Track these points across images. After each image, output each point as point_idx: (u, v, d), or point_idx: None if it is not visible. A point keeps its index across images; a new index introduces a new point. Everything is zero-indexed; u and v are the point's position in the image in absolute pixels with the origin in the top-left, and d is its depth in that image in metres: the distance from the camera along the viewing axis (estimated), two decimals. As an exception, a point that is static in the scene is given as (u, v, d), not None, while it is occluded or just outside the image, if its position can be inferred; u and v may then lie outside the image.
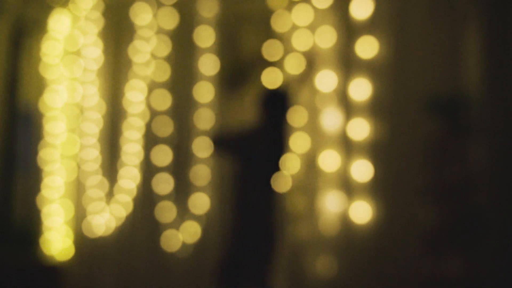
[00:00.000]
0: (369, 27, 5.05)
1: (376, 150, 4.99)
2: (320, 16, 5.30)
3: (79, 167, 5.73)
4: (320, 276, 5.12)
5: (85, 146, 5.72)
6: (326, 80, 5.24)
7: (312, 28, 5.33)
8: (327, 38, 5.27)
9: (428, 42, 4.93)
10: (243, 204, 4.11)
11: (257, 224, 4.06)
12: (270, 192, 4.16)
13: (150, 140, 5.62)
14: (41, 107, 5.85)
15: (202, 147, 5.53)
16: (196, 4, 5.68)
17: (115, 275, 5.58)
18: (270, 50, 5.52)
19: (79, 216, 5.69)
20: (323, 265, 5.12)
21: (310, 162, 5.22)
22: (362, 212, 4.99)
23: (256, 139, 4.19)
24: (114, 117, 5.75)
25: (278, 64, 5.48)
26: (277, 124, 4.25)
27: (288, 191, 5.27)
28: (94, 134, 5.74)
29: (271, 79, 5.51)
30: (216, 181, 5.50)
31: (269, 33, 5.55)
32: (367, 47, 5.06)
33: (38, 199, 5.76)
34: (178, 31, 5.73)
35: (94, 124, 5.75)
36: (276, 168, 4.19)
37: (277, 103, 4.28)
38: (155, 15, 5.73)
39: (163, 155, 5.60)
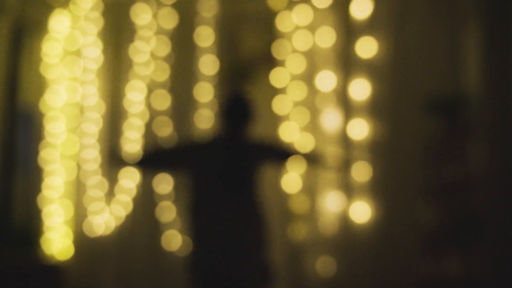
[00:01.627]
0: (369, 27, 5.05)
1: (376, 150, 4.99)
2: (320, 16, 5.30)
3: (78, 167, 5.72)
4: (320, 276, 5.12)
5: (85, 146, 5.72)
6: (326, 80, 5.24)
7: (312, 28, 5.33)
8: (327, 38, 5.27)
9: (428, 42, 4.93)
10: (200, 220, 3.72)
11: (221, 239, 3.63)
12: (232, 205, 3.69)
13: (150, 140, 5.62)
14: (41, 107, 5.85)
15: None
16: (196, 4, 5.68)
17: (115, 275, 5.57)
18: (271, 50, 5.53)
19: (79, 216, 5.68)
20: (323, 265, 5.12)
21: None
22: (362, 212, 4.99)
23: (209, 148, 3.81)
24: (114, 117, 5.75)
25: (279, 63, 5.48)
26: (236, 133, 3.81)
27: (291, 191, 5.28)
28: (94, 134, 5.74)
29: (273, 78, 5.52)
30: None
31: (270, 33, 5.55)
32: (367, 47, 5.06)
33: (38, 199, 5.76)
34: (178, 31, 5.73)
35: (94, 124, 5.75)
36: (237, 178, 3.73)
37: (236, 112, 3.83)
38: (155, 15, 5.72)
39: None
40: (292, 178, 5.28)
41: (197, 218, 3.74)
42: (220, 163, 3.71)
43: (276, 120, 5.43)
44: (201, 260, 3.65)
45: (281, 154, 4.01)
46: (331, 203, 5.10)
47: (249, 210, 3.74)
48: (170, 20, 5.73)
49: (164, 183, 5.55)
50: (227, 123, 3.82)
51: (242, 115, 3.82)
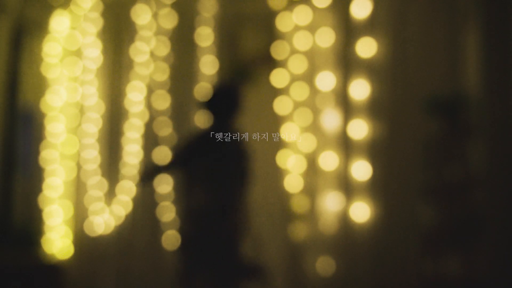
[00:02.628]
0: (370, 27, 5.06)
1: (376, 150, 4.99)
2: (320, 16, 5.31)
3: (78, 167, 5.71)
4: (320, 276, 5.12)
5: (85, 146, 5.71)
6: (326, 80, 5.25)
7: (312, 28, 5.33)
8: (327, 38, 5.27)
9: (428, 42, 4.94)
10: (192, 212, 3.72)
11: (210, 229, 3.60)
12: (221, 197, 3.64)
13: (150, 140, 5.62)
14: (42, 107, 5.84)
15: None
16: (196, 4, 5.68)
17: (115, 274, 5.57)
18: (271, 50, 5.53)
19: (79, 216, 5.68)
20: (323, 264, 5.13)
21: (310, 162, 5.23)
22: (362, 212, 4.99)
23: (199, 143, 3.70)
24: (114, 117, 5.74)
25: (279, 63, 5.48)
26: (222, 125, 3.68)
27: (291, 190, 5.28)
28: (94, 134, 5.73)
29: (273, 79, 5.52)
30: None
31: (270, 33, 5.55)
32: (367, 47, 5.06)
33: (38, 199, 5.75)
34: (178, 31, 5.72)
35: (94, 124, 5.74)
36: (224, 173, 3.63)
37: (220, 102, 3.67)
38: (155, 15, 5.72)
39: (163, 155, 5.60)
40: (293, 178, 5.28)
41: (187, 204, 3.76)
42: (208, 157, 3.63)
43: (277, 120, 5.43)
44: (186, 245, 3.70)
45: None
46: (331, 203, 5.11)
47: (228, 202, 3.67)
48: (170, 20, 5.72)
49: (164, 183, 5.55)
50: (211, 114, 3.69)
51: (227, 105, 3.68)
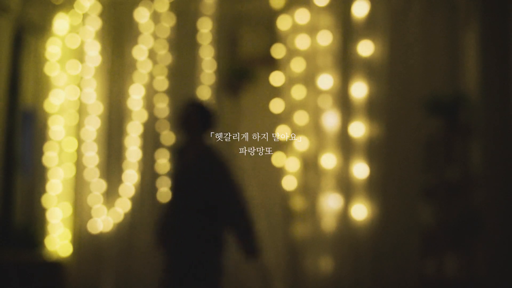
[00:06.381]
0: (370, 27, 5.06)
1: (376, 150, 5.00)
2: (321, 17, 5.30)
3: (80, 167, 5.69)
4: (320, 275, 5.12)
5: (87, 146, 5.70)
6: (327, 80, 5.24)
7: (312, 28, 5.33)
8: (328, 38, 5.27)
9: (428, 42, 4.95)
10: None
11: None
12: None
13: (150, 141, 5.61)
14: (44, 106, 5.81)
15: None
16: (196, 4, 5.67)
17: (116, 272, 5.55)
18: (271, 50, 5.53)
19: (80, 215, 5.67)
20: (323, 264, 5.13)
21: (310, 162, 5.23)
22: (363, 212, 5.00)
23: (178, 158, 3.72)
24: (117, 118, 5.72)
25: (279, 64, 5.48)
26: (197, 141, 3.62)
27: (290, 190, 5.28)
28: (94, 134, 5.71)
29: (272, 79, 5.52)
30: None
31: (270, 34, 5.55)
32: (367, 48, 5.06)
33: (40, 199, 5.73)
34: (177, 31, 5.71)
35: (96, 124, 5.72)
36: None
37: (192, 119, 3.62)
38: (155, 16, 5.71)
39: (163, 156, 5.60)
40: (292, 178, 5.28)
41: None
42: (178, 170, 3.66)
43: (275, 120, 5.42)
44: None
45: (220, 191, 3.55)
46: (331, 202, 5.11)
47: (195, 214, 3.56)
48: (169, 20, 5.71)
49: (164, 185, 5.54)
50: (182, 131, 3.69)
51: (196, 122, 3.64)
